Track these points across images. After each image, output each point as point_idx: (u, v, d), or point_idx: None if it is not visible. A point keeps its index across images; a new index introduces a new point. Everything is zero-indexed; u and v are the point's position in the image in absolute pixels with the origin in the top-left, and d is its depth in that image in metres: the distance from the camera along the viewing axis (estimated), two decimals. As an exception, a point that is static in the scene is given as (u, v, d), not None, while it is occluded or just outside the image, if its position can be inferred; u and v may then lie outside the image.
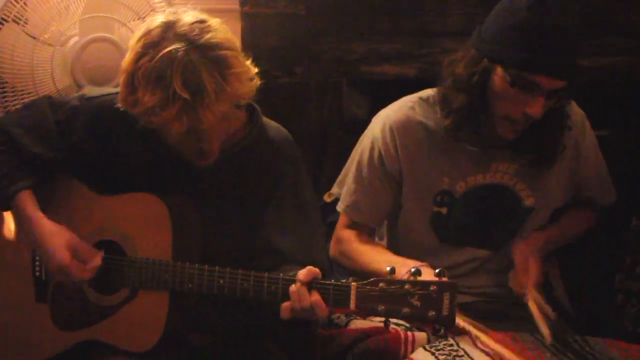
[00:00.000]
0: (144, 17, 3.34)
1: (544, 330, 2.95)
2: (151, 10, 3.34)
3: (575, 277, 3.30)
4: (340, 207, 3.31)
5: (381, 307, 2.63)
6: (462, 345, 2.88)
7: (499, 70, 2.94)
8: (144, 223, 2.87)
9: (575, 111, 3.24)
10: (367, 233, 3.32)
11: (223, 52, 2.59)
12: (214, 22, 2.63)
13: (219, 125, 2.65)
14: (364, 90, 3.88)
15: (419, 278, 2.62)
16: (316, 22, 3.65)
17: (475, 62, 3.00)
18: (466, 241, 3.25)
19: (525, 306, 3.05)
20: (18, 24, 3.30)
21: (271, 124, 3.00)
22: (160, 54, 2.56)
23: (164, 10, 3.27)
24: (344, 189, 3.31)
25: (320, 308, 2.63)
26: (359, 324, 3.04)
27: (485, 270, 3.28)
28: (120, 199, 2.87)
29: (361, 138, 3.29)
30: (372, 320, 2.95)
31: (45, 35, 3.36)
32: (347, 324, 3.06)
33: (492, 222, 3.25)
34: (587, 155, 3.29)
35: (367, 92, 3.88)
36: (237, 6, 3.58)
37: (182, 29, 2.59)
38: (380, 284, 2.63)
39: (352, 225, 3.31)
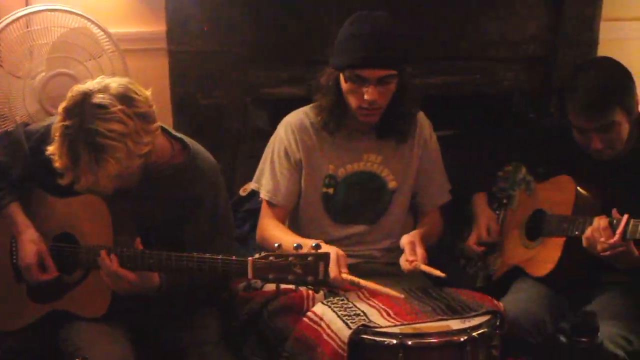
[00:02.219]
0: (97, 58, 3.34)
1: (439, 272, 2.98)
2: (102, 51, 3.34)
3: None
4: (262, 194, 3.33)
5: (272, 275, 2.67)
6: (350, 299, 2.94)
7: (341, 74, 3.09)
8: (90, 217, 2.90)
9: (425, 123, 3.36)
10: (282, 219, 3.32)
11: (103, 140, 2.58)
12: (116, 109, 2.61)
13: (102, 182, 2.67)
14: (265, 108, 3.89)
15: (300, 251, 2.67)
16: (227, 56, 3.59)
17: (329, 72, 3.15)
18: (350, 219, 3.30)
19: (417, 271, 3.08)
20: (-1, 65, 3.33)
21: (201, 153, 3.03)
22: (64, 123, 2.63)
23: (111, 53, 3.30)
24: (262, 181, 3.33)
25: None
26: (271, 286, 2.89)
27: (365, 242, 3.33)
28: (72, 200, 2.89)
29: (270, 140, 3.35)
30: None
31: (20, 73, 3.36)
32: (262, 286, 3.06)
33: (367, 201, 3.32)
34: (432, 155, 3.38)
35: (267, 108, 3.89)
36: (165, 46, 3.57)
37: (86, 107, 2.62)
38: (270, 258, 2.67)
39: (270, 214, 3.31)
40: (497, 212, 3.47)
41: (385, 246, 3.35)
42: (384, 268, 3.29)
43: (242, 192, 3.48)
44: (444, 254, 3.51)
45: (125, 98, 2.66)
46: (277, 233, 3.22)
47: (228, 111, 3.72)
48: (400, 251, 3.26)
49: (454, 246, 3.57)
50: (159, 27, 3.59)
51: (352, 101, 3.11)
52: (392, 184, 3.32)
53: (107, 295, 2.86)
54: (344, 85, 3.11)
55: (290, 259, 2.66)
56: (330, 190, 3.29)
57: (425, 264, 3.06)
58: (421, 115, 3.35)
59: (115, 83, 2.69)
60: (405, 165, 3.32)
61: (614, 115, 2.98)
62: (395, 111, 3.18)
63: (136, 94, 2.70)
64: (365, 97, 3.04)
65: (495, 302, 2.94)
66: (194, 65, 3.59)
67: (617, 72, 3.05)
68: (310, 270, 2.65)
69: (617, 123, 3.00)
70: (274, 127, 3.43)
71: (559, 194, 3.18)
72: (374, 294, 2.96)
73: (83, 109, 2.62)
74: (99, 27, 3.35)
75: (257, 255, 2.68)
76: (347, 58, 3.05)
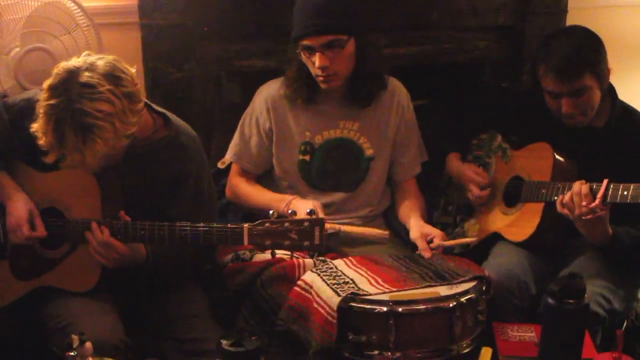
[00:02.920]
0: (71, 32, 3.29)
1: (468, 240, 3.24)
2: (76, 25, 3.30)
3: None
4: (228, 154, 3.44)
5: (268, 242, 2.72)
6: (338, 267, 2.99)
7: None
8: (77, 191, 2.88)
9: (402, 92, 3.44)
10: (253, 178, 3.43)
11: (91, 120, 2.57)
12: (104, 89, 2.59)
13: (89, 161, 2.65)
14: (237, 80, 3.91)
15: (295, 217, 2.73)
16: (199, 29, 3.63)
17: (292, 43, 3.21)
18: (328, 186, 3.37)
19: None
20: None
21: (183, 127, 3.03)
22: (49, 101, 2.60)
23: (85, 27, 3.25)
24: (231, 143, 3.44)
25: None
26: (261, 257, 3.08)
27: (345, 210, 3.41)
28: (57, 174, 2.85)
29: (248, 107, 3.43)
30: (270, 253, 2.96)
31: (-6, 48, 3.32)
32: (251, 258, 3.12)
33: (344, 168, 3.39)
34: (408, 124, 3.45)
35: (240, 81, 3.91)
36: (137, 19, 3.55)
37: (73, 86, 2.59)
38: (266, 224, 2.71)
39: (240, 173, 3.42)
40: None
41: (365, 214, 3.43)
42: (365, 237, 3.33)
43: (221, 165, 3.52)
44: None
45: (112, 77, 2.64)
46: (249, 190, 3.37)
47: (201, 85, 3.72)
48: (379, 219, 3.45)
49: (430, 215, 3.60)
50: (131, 1, 3.58)
51: (311, 70, 3.21)
52: (369, 152, 3.38)
53: (96, 269, 2.87)
54: (302, 56, 3.20)
55: (286, 224, 2.71)
56: (307, 157, 3.36)
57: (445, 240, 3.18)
58: (398, 84, 3.43)
59: (102, 61, 2.67)
60: (382, 133, 3.39)
61: (585, 80, 3.08)
62: (359, 74, 3.26)
63: (123, 72, 2.68)
64: (316, 64, 3.14)
65: (481, 268, 3.03)
66: (166, 38, 3.58)
67: (589, 38, 3.15)
68: (306, 236, 2.71)
69: (588, 88, 3.10)
70: (247, 100, 3.49)
71: (537, 160, 3.26)
72: (361, 262, 3.03)
73: (70, 88, 2.59)
74: (73, 0, 3.32)
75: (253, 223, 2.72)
76: (294, 31, 3.17)
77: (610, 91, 3.24)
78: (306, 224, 2.71)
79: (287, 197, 3.25)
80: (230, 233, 2.74)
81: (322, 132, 3.36)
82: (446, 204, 3.67)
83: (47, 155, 2.68)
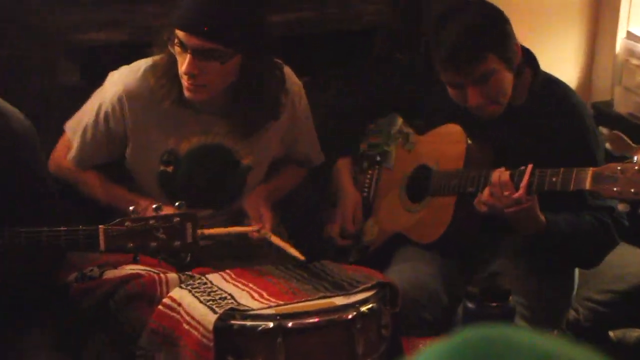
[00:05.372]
0: None
1: (295, 252, 3.03)
2: None
3: (292, 221, 3.39)
4: (69, 157, 3.21)
5: (130, 245, 2.66)
6: (213, 281, 2.87)
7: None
8: None
9: (294, 81, 3.25)
10: None
11: None
12: None
13: None
14: (76, 58, 3.69)
15: (161, 213, 2.69)
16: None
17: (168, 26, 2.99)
18: (195, 202, 3.12)
19: (265, 243, 3.11)
20: None
21: (13, 113, 2.87)
22: None
23: None
24: (74, 141, 3.20)
25: None
26: (113, 273, 2.95)
27: (213, 225, 3.20)
28: None
29: (98, 91, 3.17)
30: (124, 269, 2.91)
31: None
32: (101, 275, 2.95)
33: (214, 181, 3.21)
34: (301, 119, 3.30)
35: (79, 58, 3.69)
36: None
37: None
38: (127, 223, 2.66)
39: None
40: (370, 171, 3.44)
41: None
42: (242, 251, 3.19)
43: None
44: (309, 222, 3.56)
45: None
46: (86, 176, 3.20)
47: (34, 64, 3.57)
48: None
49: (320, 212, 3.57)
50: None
51: (179, 68, 2.96)
52: (247, 160, 3.20)
53: None
54: (175, 48, 2.96)
55: (151, 222, 2.66)
56: (169, 169, 3.16)
57: (275, 234, 3.09)
58: (289, 74, 3.22)
59: None
60: (266, 137, 3.22)
61: (487, 64, 2.92)
62: (240, 98, 3.05)
63: None
64: (183, 69, 2.91)
65: (384, 275, 2.94)
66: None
67: (487, 14, 2.99)
68: (177, 234, 2.67)
69: (493, 72, 2.94)
70: (87, 81, 3.39)
71: (447, 146, 3.18)
72: (242, 274, 2.91)
73: None
74: None
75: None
76: (174, 12, 2.93)
77: (530, 62, 3.10)
78: (176, 219, 2.67)
79: (143, 203, 3.01)
80: (83, 236, 2.65)
81: (190, 137, 3.12)
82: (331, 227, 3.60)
83: None
